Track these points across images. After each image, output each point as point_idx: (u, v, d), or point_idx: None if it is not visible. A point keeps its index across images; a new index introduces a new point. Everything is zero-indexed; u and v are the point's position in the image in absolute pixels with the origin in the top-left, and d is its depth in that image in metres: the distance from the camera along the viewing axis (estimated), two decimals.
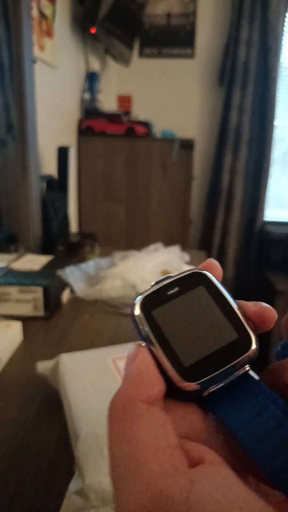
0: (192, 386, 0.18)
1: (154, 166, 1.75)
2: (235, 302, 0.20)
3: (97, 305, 0.81)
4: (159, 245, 1.12)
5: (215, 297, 0.20)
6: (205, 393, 0.18)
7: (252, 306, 0.20)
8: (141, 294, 0.20)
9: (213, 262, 0.22)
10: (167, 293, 0.20)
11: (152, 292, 0.20)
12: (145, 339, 0.19)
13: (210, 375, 0.18)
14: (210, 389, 0.18)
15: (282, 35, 2.11)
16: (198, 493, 0.13)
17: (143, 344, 0.19)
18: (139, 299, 0.20)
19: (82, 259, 1.01)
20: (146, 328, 0.19)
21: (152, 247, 1.09)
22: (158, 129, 1.96)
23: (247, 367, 0.18)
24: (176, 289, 0.20)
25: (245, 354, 0.18)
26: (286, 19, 2.09)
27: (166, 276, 0.21)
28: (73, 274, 0.87)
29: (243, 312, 0.19)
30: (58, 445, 0.43)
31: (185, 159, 1.74)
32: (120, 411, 0.16)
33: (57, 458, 0.41)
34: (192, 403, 0.18)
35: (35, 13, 1.17)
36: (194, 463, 0.15)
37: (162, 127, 2.02)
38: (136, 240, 1.80)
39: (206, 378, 0.18)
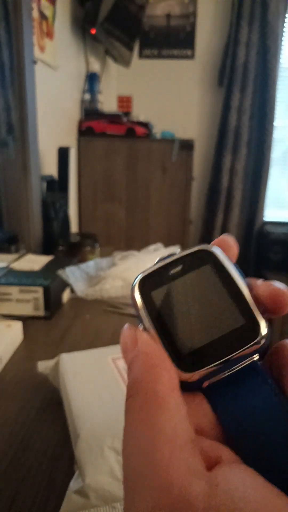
0: (188, 376, 0.16)
1: (154, 167, 1.75)
2: (246, 283, 0.18)
3: (97, 305, 0.82)
4: (159, 245, 1.12)
5: (222, 277, 0.18)
6: (205, 384, 0.16)
7: (263, 287, 0.17)
8: (141, 273, 0.19)
9: (227, 239, 0.19)
10: (169, 273, 0.19)
11: (153, 271, 0.19)
12: (142, 322, 0.17)
13: (209, 365, 0.16)
14: (211, 381, 0.16)
15: (282, 36, 2.11)
16: (219, 498, 0.12)
17: (140, 327, 0.17)
18: (138, 279, 0.19)
19: (83, 259, 1.01)
20: (143, 311, 0.18)
21: (152, 247, 1.10)
22: (158, 130, 1.97)
23: (256, 357, 0.16)
24: (180, 267, 0.19)
25: (252, 343, 0.16)
26: (285, 20, 2.10)
27: (170, 253, 0.20)
28: (73, 274, 0.87)
29: (254, 294, 0.17)
30: (58, 445, 0.43)
31: (185, 160, 1.74)
32: (142, 396, 0.14)
33: (58, 457, 0.41)
34: (197, 394, 0.16)
35: (35, 14, 1.17)
36: (211, 463, 0.14)
37: (162, 128, 2.02)
38: (136, 240, 1.80)
39: (205, 369, 0.16)
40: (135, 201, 1.79)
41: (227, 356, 0.16)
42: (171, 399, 0.14)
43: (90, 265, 0.94)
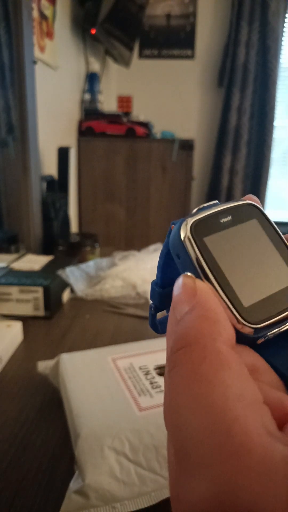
0: (255, 329, 0.15)
1: (154, 167, 1.75)
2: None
3: (97, 305, 0.82)
4: (159, 245, 1.12)
5: (269, 233, 0.18)
6: (260, 341, 0.15)
7: None
8: (188, 217, 0.17)
9: (256, 198, 0.19)
10: (220, 221, 0.17)
11: (204, 217, 0.17)
12: (196, 270, 0.16)
13: (272, 319, 0.15)
14: (267, 335, 0.15)
15: (282, 36, 2.11)
16: None
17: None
18: (188, 221, 0.17)
19: (83, 259, 1.01)
20: (199, 256, 0.16)
21: (152, 247, 1.09)
22: (158, 130, 1.97)
23: None
24: (229, 217, 0.17)
25: None
26: (285, 20, 2.10)
27: (212, 202, 0.18)
28: (73, 274, 0.87)
29: None
30: (58, 444, 0.43)
31: (185, 160, 1.74)
32: (200, 351, 0.13)
33: (58, 457, 0.41)
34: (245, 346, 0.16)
35: (35, 14, 1.17)
36: (280, 420, 0.12)
37: (162, 128, 2.03)
38: (136, 240, 1.80)
39: (268, 322, 0.15)
40: (135, 201, 1.79)
41: (284, 312, 0.16)
42: (233, 358, 0.13)
43: (90, 265, 0.94)
